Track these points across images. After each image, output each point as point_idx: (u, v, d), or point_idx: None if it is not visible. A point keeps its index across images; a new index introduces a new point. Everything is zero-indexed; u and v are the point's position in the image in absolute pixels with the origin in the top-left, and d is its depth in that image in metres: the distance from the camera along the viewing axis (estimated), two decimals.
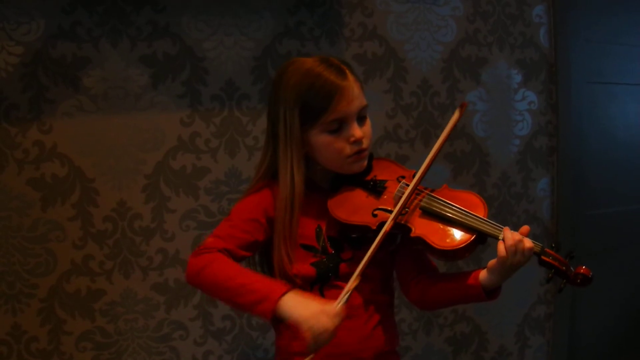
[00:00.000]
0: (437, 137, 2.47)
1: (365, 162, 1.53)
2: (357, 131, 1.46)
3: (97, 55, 2.00)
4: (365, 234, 1.47)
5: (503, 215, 2.69)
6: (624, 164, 3.04)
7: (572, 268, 1.42)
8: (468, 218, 1.45)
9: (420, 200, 1.49)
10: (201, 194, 2.16)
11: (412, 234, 1.45)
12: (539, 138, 2.76)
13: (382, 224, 1.45)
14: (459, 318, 2.66)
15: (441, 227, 1.45)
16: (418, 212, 1.47)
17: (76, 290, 2.03)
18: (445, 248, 1.43)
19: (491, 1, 2.59)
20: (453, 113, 1.56)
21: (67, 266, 2.01)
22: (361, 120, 1.49)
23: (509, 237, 1.39)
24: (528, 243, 1.40)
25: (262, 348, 2.29)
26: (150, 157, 2.09)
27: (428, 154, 1.54)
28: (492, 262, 1.43)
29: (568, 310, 2.89)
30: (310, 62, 1.47)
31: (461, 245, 1.42)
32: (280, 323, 1.41)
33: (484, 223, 1.44)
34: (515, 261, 1.39)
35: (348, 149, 1.47)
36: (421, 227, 1.45)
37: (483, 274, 1.45)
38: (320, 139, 1.47)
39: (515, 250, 1.38)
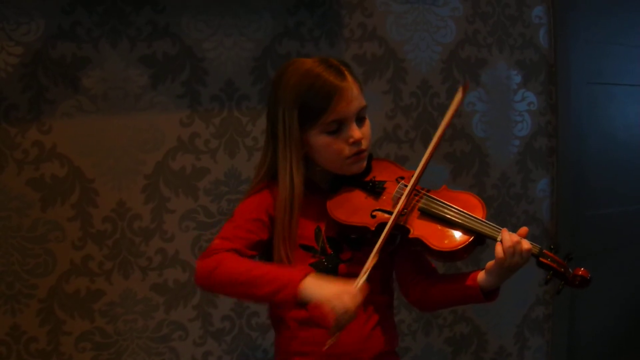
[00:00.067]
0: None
1: (365, 163, 1.53)
2: (356, 132, 1.47)
3: (97, 55, 2.00)
4: (364, 235, 1.48)
5: (502, 216, 2.69)
6: (624, 164, 3.04)
7: (570, 270, 1.42)
8: (466, 219, 1.45)
9: (419, 201, 1.49)
10: (201, 194, 2.16)
11: (410, 235, 1.45)
12: (538, 139, 2.76)
13: (381, 224, 1.45)
14: (458, 319, 2.66)
15: (439, 228, 1.45)
16: (416, 213, 1.47)
17: (75, 290, 2.03)
18: (443, 249, 1.43)
19: (491, 2, 2.59)
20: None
21: (67, 266, 2.01)
22: (360, 121, 1.49)
23: (507, 239, 1.39)
24: (526, 245, 1.40)
25: (262, 349, 2.29)
26: (150, 158, 2.09)
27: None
28: (490, 263, 1.43)
29: (567, 311, 2.90)
30: (310, 63, 1.47)
31: (459, 247, 1.42)
32: (302, 307, 1.41)
33: (482, 224, 1.44)
34: (513, 263, 1.39)
35: (347, 150, 1.47)
36: (419, 228, 1.45)
37: (481, 276, 1.46)
38: (319, 140, 1.47)
39: (513, 251, 1.38)
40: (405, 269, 1.60)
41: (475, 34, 2.58)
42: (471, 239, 1.43)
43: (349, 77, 1.46)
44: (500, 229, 1.42)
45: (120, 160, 2.05)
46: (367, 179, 1.54)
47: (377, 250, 1.41)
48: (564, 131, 2.79)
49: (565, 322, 2.90)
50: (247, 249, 1.45)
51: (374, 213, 1.48)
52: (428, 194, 1.51)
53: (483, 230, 1.43)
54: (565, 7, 2.74)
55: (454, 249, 1.42)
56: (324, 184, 1.56)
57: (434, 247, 1.43)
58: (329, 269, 1.49)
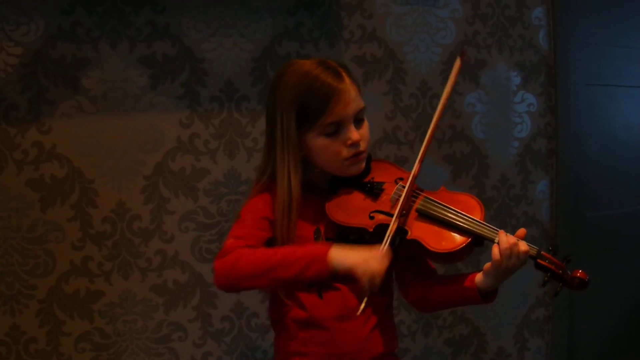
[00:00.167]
0: (437, 139, 2.49)
1: (363, 165, 1.53)
2: (354, 134, 1.47)
3: (97, 56, 2.00)
4: (362, 236, 1.48)
5: (502, 217, 2.69)
6: (624, 165, 3.04)
7: (569, 271, 1.42)
8: (464, 221, 1.45)
9: (417, 203, 1.49)
10: (200, 195, 2.16)
11: (408, 237, 1.45)
12: (538, 140, 2.76)
13: (379, 226, 1.46)
14: (457, 320, 2.66)
15: (437, 229, 1.45)
16: (414, 214, 1.48)
17: (75, 291, 2.03)
18: (440, 251, 1.43)
19: (490, 3, 2.60)
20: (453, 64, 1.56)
21: (66, 267, 2.02)
22: (358, 122, 1.49)
23: (504, 241, 1.39)
24: (523, 246, 1.39)
25: (261, 349, 2.29)
26: (150, 159, 2.09)
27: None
28: (487, 265, 1.43)
29: (567, 312, 2.89)
30: (308, 65, 1.47)
31: (456, 249, 1.42)
32: (334, 280, 1.42)
33: (480, 226, 1.44)
34: (510, 264, 1.39)
35: (345, 152, 1.47)
36: (417, 230, 1.45)
37: (479, 277, 1.46)
38: (318, 142, 1.47)
39: (510, 253, 1.38)
40: (405, 269, 1.60)
41: (475, 35, 2.58)
42: (469, 240, 1.43)
43: (347, 79, 1.46)
44: (498, 231, 1.42)
45: (120, 160, 2.05)
46: (366, 180, 1.55)
47: (397, 216, 1.44)
48: (564, 132, 2.79)
49: (565, 323, 2.90)
50: (260, 245, 1.45)
51: (372, 214, 1.49)
52: (426, 195, 1.51)
53: (481, 232, 1.43)
54: (565, 9, 2.74)
55: (452, 250, 1.42)
56: (324, 184, 1.56)
57: (432, 249, 1.43)
58: None
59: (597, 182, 2.93)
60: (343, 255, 1.35)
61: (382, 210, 1.49)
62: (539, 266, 1.42)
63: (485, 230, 1.43)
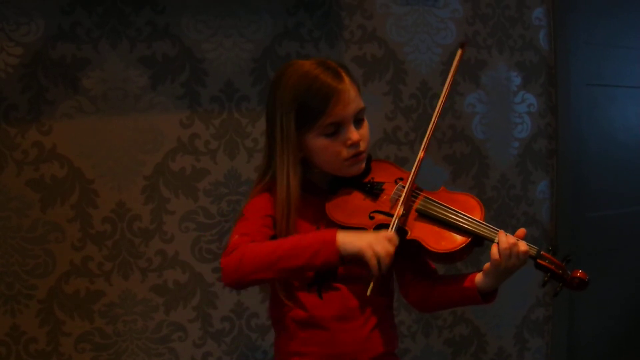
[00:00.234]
0: (437, 139, 2.49)
1: (363, 165, 1.53)
2: (354, 134, 1.46)
3: (97, 56, 2.00)
4: None
5: (502, 217, 2.69)
6: (624, 166, 3.04)
7: (568, 271, 1.42)
8: (464, 221, 1.45)
9: (417, 203, 1.49)
10: (200, 195, 2.16)
11: (407, 237, 1.45)
12: (538, 140, 2.76)
13: (379, 226, 1.46)
14: (457, 320, 2.66)
15: (437, 230, 1.45)
16: (414, 214, 1.47)
17: (75, 291, 2.03)
18: (440, 251, 1.43)
19: (491, 4, 2.60)
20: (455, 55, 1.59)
21: (66, 267, 2.02)
22: (358, 123, 1.49)
23: (504, 241, 1.39)
24: (523, 246, 1.39)
25: (261, 349, 2.29)
26: (150, 159, 2.09)
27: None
28: (487, 265, 1.43)
29: (567, 313, 2.89)
30: (308, 65, 1.47)
31: (456, 249, 1.42)
32: (343, 264, 1.42)
33: (480, 226, 1.43)
34: (510, 265, 1.39)
35: (345, 152, 1.47)
36: (417, 230, 1.45)
37: (479, 277, 1.46)
38: (317, 142, 1.47)
39: (509, 253, 1.38)
40: (405, 269, 1.60)
41: (475, 35, 2.58)
42: (468, 240, 1.43)
43: (347, 79, 1.46)
44: (498, 231, 1.42)
45: (120, 161, 2.05)
46: (366, 180, 1.55)
47: (404, 197, 1.45)
48: (564, 133, 2.79)
49: (565, 323, 2.90)
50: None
51: (372, 214, 1.49)
52: (426, 195, 1.51)
53: (481, 232, 1.43)
54: (565, 9, 2.74)
55: (451, 250, 1.42)
56: (323, 185, 1.56)
57: (431, 249, 1.43)
58: (329, 270, 1.49)
59: (597, 182, 2.93)
60: (350, 239, 1.36)
61: (381, 211, 1.49)
62: (538, 266, 1.42)
63: (485, 231, 1.43)
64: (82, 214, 2.02)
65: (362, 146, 1.49)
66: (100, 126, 2.02)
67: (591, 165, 2.91)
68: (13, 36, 1.91)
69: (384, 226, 1.44)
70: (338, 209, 1.50)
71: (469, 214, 1.46)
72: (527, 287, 2.76)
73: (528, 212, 2.77)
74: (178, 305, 2.16)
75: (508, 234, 1.40)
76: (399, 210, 1.44)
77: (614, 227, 3.04)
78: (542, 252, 1.42)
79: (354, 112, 1.46)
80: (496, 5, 2.61)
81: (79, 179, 2.01)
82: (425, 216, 1.47)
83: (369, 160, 1.56)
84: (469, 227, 1.43)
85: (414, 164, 1.50)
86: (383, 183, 1.53)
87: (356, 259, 1.36)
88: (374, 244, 1.35)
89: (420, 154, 1.51)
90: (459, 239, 1.43)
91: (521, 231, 1.43)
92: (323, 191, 1.55)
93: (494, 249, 1.39)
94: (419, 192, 1.51)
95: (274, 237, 1.47)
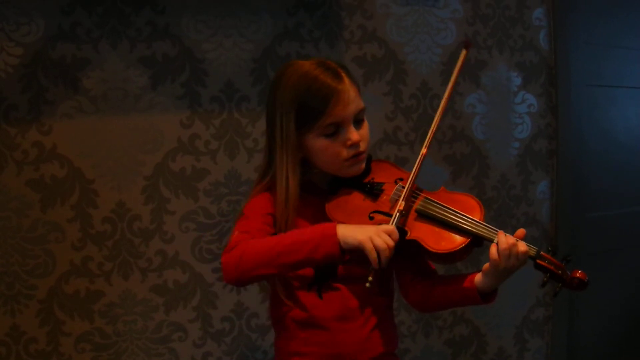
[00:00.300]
0: (437, 139, 2.49)
1: (363, 165, 1.53)
2: (353, 135, 1.46)
3: (97, 56, 2.00)
4: None
5: (502, 218, 2.69)
6: (624, 166, 3.04)
7: (568, 272, 1.42)
8: (463, 221, 1.44)
9: (417, 203, 1.49)
10: (200, 195, 2.16)
11: (407, 237, 1.45)
12: (538, 141, 2.76)
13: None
14: (457, 320, 2.66)
15: (436, 230, 1.45)
16: (414, 215, 1.47)
17: (75, 291, 2.03)
18: (439, 251, 1.43)
19: (491, 4, 2.60)
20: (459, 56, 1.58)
21: (66, 267, 2.02)
22: (358, 123, 1.49)
23: (503, 241, 1.39)
24: (522, 247, 1.39)
25: (261, 350, 2.29)
26: (150, 159, 2.09)
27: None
28: (486, 265, 1.42)
29: (567, 313, 2.89)
30: (308, 65, 1.47)
31: (456, 249, 1.42)
32: (345, 256, 1.41)
33: (480, 226, 1.43)
34: (509, 265, 1.39)
35: (345, 153, 1.47)
36: (416, 230, 1.45)
37: (478, 277, 1.45)
38: (317, 143, 1.47)
39: (508, 254, 1.38)
40: (405, 269, 1.60)
41: (476, 35, 2.58)
42: (468, 241, 1.43)
43: (347, 80, 1.46)
44: (497, 231, 1.42)
45: (120, 161, 2.05)
46: (366, 180, 1.54)
47: (404, 196, 1.44)
48: (564, 133, 2.79)
49: (564, 323, 2.90)
50: None
51: (372, 215, 1.49)
52: (426, 195, 1.51)
53: (480, 232, 1.43)
54: (565, 9, 2.74)
55: (451, 250, 1.42)
56: (323, 185, 1.56)
57: (431, 249, 1.43)
58: (328, 270, 1.49)
59: (597, 182, 2.93)
60: (351, 232, 1.36)
61: (381, 211, 1.49)
62: (538, 266, 1.42)
63: (484, 231, 1.43)
64: (82, 214, 2.02)
65: (362, 146, 1.48)
66: (100, 126, 2.02)
67: (591, 165, 2.91)
68: (13, 36, 1.91)
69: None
70: (338, 209, 1.50)
71: (469, 214, 1.46)
72: (527, 287, 2.76)
73: (528, 212, 2.77)
74: (178, 305, 2.16)
75: (507, 235, 1.40)
76: (399, 205, 1.44)
77: (614, 227, 3.04)
78: (541, 253, 1.42)
79: (353, 112, 1.46)
80: (496, 5, 2.61)
81: (79, 179, 2.01)
82: (424, 216, 1.47)
83: (369, 160, 1.56)
84: (468, 228, 1.43)
85: (415, 162, 1.50)
86: (383, 183, 1.53)
87: (356, 250, 1.36)
88: (374, 236, 1.35)
89: (423, 150, 1.51)
90: (459, 240, 1.43)
91: (521, 231, 1.42)
92: (323, 191, 1.55)
93: (493, 250, 1.39)
94: (419, 193, 1.51)
95: (274, 234, 1.47)
